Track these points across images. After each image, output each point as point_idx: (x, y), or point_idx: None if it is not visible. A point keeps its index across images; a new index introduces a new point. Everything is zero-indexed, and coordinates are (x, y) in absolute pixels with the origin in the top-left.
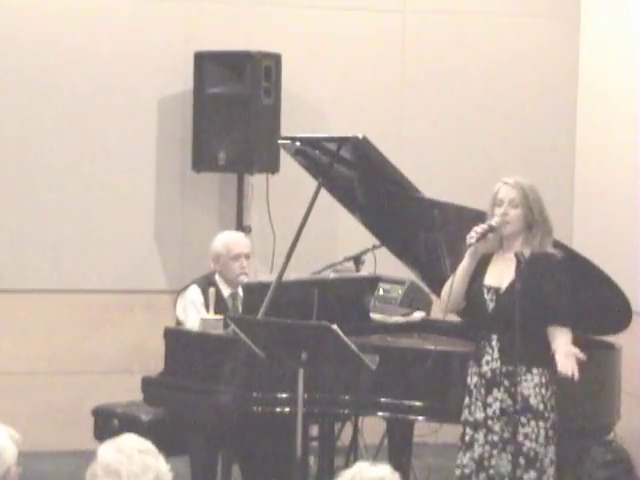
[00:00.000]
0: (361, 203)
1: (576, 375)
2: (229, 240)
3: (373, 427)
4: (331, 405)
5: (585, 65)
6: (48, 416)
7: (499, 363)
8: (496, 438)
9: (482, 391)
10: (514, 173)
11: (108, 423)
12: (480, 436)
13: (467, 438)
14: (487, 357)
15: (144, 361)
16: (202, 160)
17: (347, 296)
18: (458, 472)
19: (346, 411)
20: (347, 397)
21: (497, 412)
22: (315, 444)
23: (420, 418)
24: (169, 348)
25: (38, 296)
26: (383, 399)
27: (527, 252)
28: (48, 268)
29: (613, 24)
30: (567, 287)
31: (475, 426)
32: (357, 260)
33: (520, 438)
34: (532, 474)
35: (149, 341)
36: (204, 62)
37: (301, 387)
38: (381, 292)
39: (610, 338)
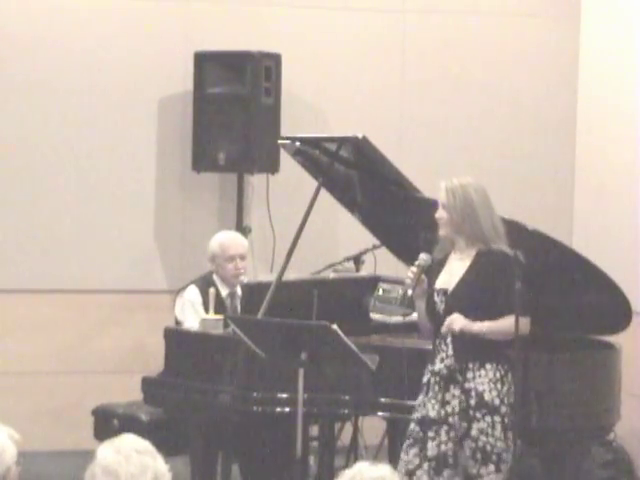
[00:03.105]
0: (361, 203)
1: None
2: (224, 241)
3: (373, 427)
4: (331, 405)
5: (585, 65)
6: (48, 416)
7: (453, 360)
8: (459, 434)
9: (436, 389)
10: (513, 173)
11: (108, 423)
12: (442, 433)
13: (414, 434)
14: (442, 355)
15: (144, 361)
16: (202, 160)
17: (347, 296)
18: (403, 468)
19: (346, 411)
20: (347, 397)
21: (456, 409)
22: (315, 444)
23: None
24: (169, 348)
25: (38, 296)
26: (383, 399)
27: (473, 252)
28: (48, 268)
29: (613, 24)
30: (512, 282)
31: (428, 423)
32: (357, 260)
33: (475, 433)
34: (490, 467)
35: (149, 341)
36: (204, 62)
37: (301, 387)
38: (381, 292)
39: (610, 338)
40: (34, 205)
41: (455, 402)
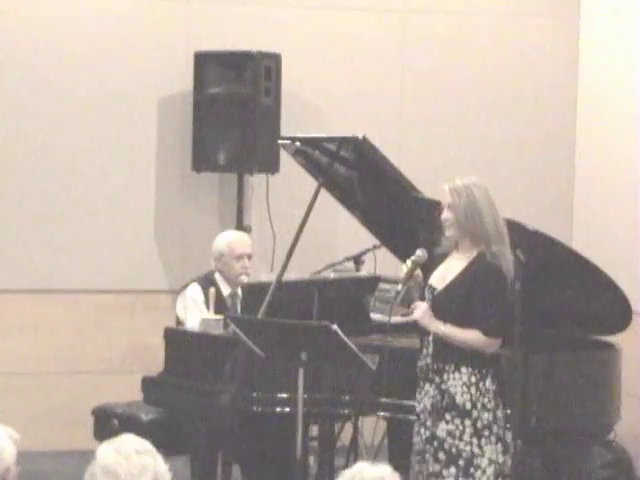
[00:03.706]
0: (361, 203)
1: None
2: (232, 240)
3: (373, 427)
4: (331, 405)
5: (585, 65)
6: (48, 416)
7: (431, 360)
8: (428, 433)
9: (420, 384)
10: (513, 172)
11: (108, 423)
12: (416, 428)
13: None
14: (424, 352)
15: (144, 361)
16: (202, 160)
17: (347, 296)
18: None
19: (346, 411)
20: (347, 397)
21: (428, 407)
22: (315, 444)
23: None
24: (169, 348)
25: (38, 296)
26: (383, 399)
27: (475, 253)
28: (48, 268)
29: (613, 24)
30: (494, 296)
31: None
32: (357, 260)
33: (442, 434)
34: (452, 470)
35: (149, 341)
36: (204, 62)
37: (301, 387)
38: (381, 292)
39: (610, 338)
40: (34, 205)
41: (427, 400)
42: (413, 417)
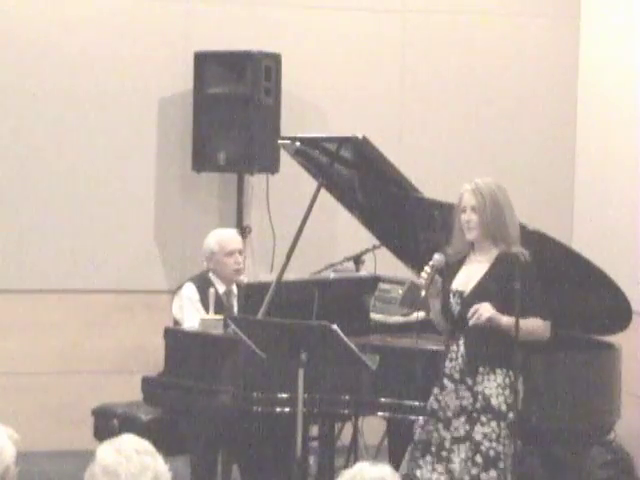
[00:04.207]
0: (361, 203)
1: (479, 318)
2: (222, 237)
3: (373, 427)
4: (331, 405)
5: (585, 65)
6: (48, 416)
7: (464, 363)
8: (456, 434)
9: (448, 387)
10: (513, 172)
11: (108, 423)
12: (439, 427)
13: (421, 421)
14: (452, 355)
15: (144, 361)
16: (202, 160)
17: (347, 296)
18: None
19: (346, 411)
20: (347, 397)
21: (458, 409)
22: (315, 444)
23: (420, 418)
24: (169, 348)
25: (38, 296)
26: (383, 399)
27: (495, 254)
28: (48, 268)
29: (613, 24)
30: (534, 285)
31: (436, 417)
32: (357, 260)
33: (478, 437)
34: (492, 473)
35: (149, 341)
36: (204, 62)
37: (301, 387)
38: (381, 292)
39: (610, 338)
40: (33, 205)
41: (458, 402)
42: (413, 417)
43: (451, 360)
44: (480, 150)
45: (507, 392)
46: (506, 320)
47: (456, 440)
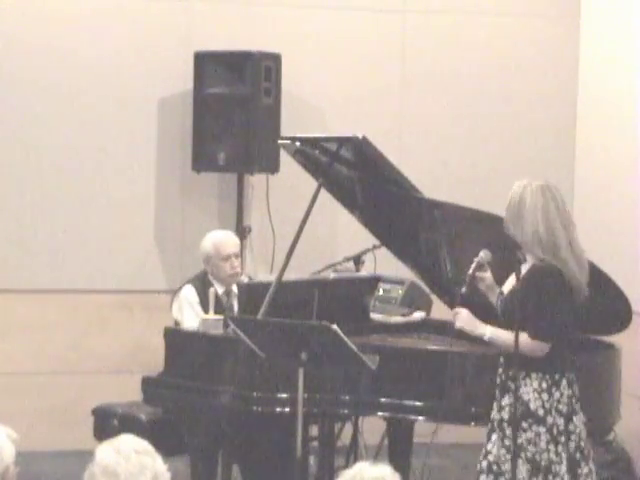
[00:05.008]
0: (361, 203)
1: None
2: (218, 241)
3: (373, 427)
4: (331, 405)
5: (585, 65)
6: (48, 416)
7: (502, 368)
8: (508, 442)
9: (497, 393)
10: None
11: (108, 423)
12: (494, 438)
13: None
14: (500, 361)
15: (144, 361)
16: (202, 160)
17: (347, 296)
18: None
19: (346, 411)
20: (347, 397)
21: (505, 417)
22: (315, 444)
23: (420, 418)
24: (169, 348)
25: (38, 296)
26: (383, 399)
27: (531, 262)
28: (48, 268)
29: (613, 24)
30: (539, 299)
31: (491, 425)
32: (357, 260)
33: (524, 443)
34: (540, 479)
35: (149, 341)
36: (204, 62)
37: (301, 387)
38: (381, 292)
39: (610, 338)
40: (33, 205)
41: (507, 409)
42: (413, 417)
43: (500, 365)
44: (480, 150)
45: (545, 396)
46: (480, 331)
47: (509, 449)
